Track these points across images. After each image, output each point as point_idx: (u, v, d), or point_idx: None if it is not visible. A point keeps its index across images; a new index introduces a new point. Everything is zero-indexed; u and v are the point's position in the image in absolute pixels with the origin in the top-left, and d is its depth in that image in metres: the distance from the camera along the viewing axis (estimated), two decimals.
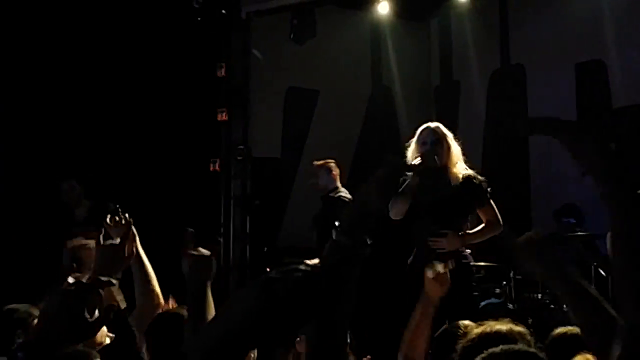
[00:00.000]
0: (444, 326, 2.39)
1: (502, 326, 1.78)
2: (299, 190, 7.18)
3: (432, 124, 3.72)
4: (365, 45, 7.78)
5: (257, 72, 6.74)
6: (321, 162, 5.49)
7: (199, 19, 5.93)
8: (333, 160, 5.51)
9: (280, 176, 7.04)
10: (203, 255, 2.00)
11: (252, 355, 2.46)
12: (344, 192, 5.24)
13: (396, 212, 3.59)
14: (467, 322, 2.33)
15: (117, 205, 4.33)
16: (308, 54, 7.04)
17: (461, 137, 7.46)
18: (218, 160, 6.23)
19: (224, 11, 6.02)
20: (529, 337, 1.82)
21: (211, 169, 6.21)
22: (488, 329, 1.74)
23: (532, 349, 1.60)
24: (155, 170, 5.96)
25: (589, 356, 1.82)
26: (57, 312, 1.92)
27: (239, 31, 6.45)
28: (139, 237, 2.42)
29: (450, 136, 3.68)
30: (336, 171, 5.43)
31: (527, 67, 7.28)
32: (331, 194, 5.32)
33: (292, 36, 6.78)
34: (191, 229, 2.11)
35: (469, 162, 3.98)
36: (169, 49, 6.07)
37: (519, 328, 1.86)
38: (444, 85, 8.11)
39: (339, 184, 5.41)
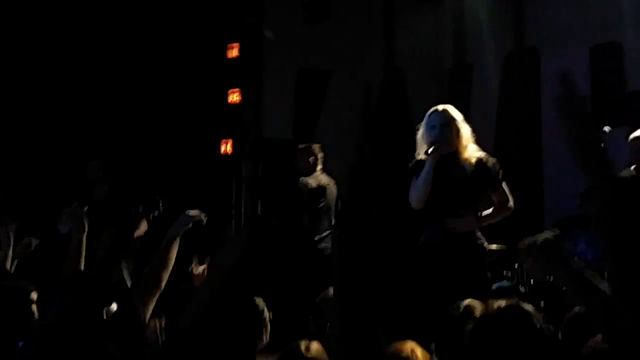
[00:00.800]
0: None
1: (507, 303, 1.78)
2: None
3: (440, 107, 3.70)
4: (378, 26, 7.73)
5: (270, 53, 6.73)
6: (305, 145, 5.43)
7: None
8: (318, 144, 5.41)
9: (293, 158, 7.04)
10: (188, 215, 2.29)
11: (265, 337, 2.49)
12: (313, 179, 5.25)
13: (418, 201, 3.57)
14: (466, 301, 2.36)
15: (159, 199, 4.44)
16: (321, 34, 7.00)
17: (474, 120, 7.48)
18: (230, 142, 6.25)
19: None
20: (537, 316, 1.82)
21: (222, 151, 6.22)
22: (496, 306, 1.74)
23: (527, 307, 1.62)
24: (167, 151, 5.98)
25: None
26: None
27: (252, 11, 6.42)
28: (153, 217, 2.55)
29: (459, 119, 3.66)
30: (318, 155, 5.35)
31: (541, 50, 7.20)
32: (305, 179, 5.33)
33: (304, 16, 6.75)
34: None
35: (480, 144, 3.97)
36: (181, 29, 6.05)
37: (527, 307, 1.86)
38: (456, 67, 8.05)
39: (318, 169, 5.34)
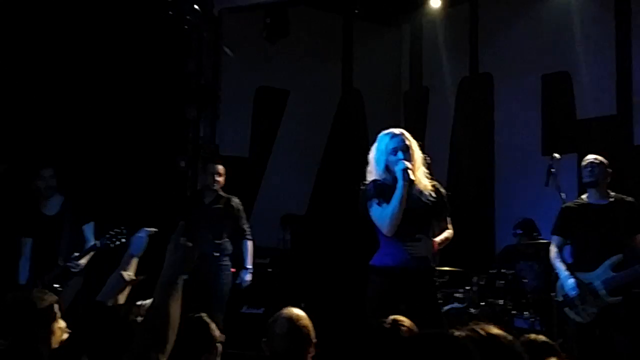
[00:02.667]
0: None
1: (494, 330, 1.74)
2: (266, 189, 7.15)
3: (397, 130, 3.65)
4: (337, 47, 7.80)
5: (228, 69, 6.69)
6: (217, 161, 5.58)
7: (171, 13, 5.86)
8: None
9: (248, 176, 6.99)
10: (189, 246, 1.99)
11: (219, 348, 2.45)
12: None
13: (392, 227, 3.50)
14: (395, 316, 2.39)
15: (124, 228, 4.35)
16: (279, 53, 7.01)
17: (429, 141, 7.59)
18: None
19: (196, 6, 5.95)
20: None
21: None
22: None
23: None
24: (122, 166, 5.85)
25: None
26: None
27: (211, 27, 6.39)
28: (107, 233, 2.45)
29: (414, 142, 3.66)
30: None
31: (495, 76, 7.39)
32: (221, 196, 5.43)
33: (264, 35, 6.75)
34: (182, 222, 2.10)
35: (435, 165, 4.01)
36: (140, 43, 5.97)
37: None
38: (413, 90, 8.18)
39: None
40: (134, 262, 2.84)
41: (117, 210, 5.44)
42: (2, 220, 5.04)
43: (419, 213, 3.55)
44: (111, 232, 4.40)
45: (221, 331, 2.58)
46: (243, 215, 5.50)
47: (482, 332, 1.58)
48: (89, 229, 4.85)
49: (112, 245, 4.40)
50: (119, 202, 5.63)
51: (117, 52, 5.88)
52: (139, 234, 2.90)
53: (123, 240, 4.33)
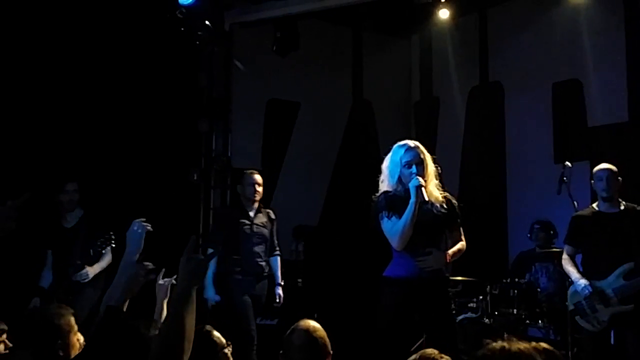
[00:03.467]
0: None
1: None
2: (278, 201, 7.19)
3: (411, 143, 3.65)
4: (347, 59, 7.86)
5: (239, 83, 6.76)
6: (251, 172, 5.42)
7: (183, 29, 5.94)
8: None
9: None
10: (201, 259, 2.02)
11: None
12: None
13: (402, 242, 3.52)
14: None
15: (112, 234, 4.40)
16: (290, 66, 7.08)
17: (440, 151, 7.60)
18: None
19: (207, 22, 6.03)
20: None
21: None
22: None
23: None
24: (135, 179, 5.92)
25: None
26: None
27: (222, 42, 6.47)
28: (118, 245, 2.45)
29: (428, 154, 3.67)
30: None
31: (505, 85, 7.40)
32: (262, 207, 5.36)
33: (274, 48, 6.82)
34: (194, 236, 2.15)
35: (446, 176, 4.03)
36: (152, 59, 6.06)
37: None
38: (423, 100, 8.20)
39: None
40: (165, 306, 2.97)
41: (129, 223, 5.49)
42: (27, 232, 5.15)
43: (430, 225, 3.56)
44: (101, 239, 4.54)
45: None
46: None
47: (512, 349, 1.57)
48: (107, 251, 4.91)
49: (101, 250, 4.60)
50: (132, 215, 5.69)
51: (131, 68, 5.97)
52: (134, 228, 2.88)
53: (112, 244, 4.50)
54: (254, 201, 5.23)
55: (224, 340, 2.52)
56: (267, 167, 7.23)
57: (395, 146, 3.69)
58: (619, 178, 4.30)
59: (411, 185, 3.51)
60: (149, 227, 2.80)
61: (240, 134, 6.80)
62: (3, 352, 2.56)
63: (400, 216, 3.51)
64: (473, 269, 5.78)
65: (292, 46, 6.80)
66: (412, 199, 3.49)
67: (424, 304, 3.50)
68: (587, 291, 4.13)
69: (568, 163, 4.69)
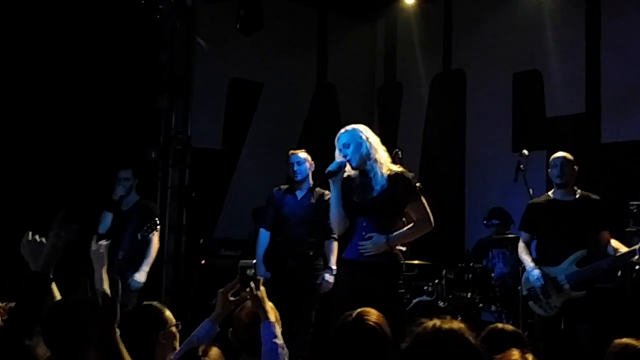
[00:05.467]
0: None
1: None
2: (238, 182, 7.13)
3: (349, 126, 3.62)
4: (311, 41, 7.80)
5: (201, 60, 6.65)
6: (294, 151, 5.18)
7: (143, 2, 5.79)
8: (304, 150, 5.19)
9: (220, 168, 6.96)
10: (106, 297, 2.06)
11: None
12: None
13: (337, 227, 3.61)
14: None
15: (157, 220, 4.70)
16: (254, 46, 6.99)
17: (402, 135, 7.62)
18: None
19: None
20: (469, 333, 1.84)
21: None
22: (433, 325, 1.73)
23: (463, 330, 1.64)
24: (93, 158, 5.78)
25: (517, 352, 1.90)
26: None
27: (184, 18, 6.33)
28: (75, 223, 2.43)
29: (365, 136, 3.56)
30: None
31: (468, 73, 7.47)
32: (312, 188, 5.02)
33: (238, 27, 6.71)
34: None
35: (408, 158, 4.05)
36: (111, 32, 5.89)
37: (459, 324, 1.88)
38: (387, 85, 8.22)
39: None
40: (105, 275, 2.96)
41: (86, 202, 5.38)
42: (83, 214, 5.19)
43: (371, 206, 3.52)
44: (148, 224, 4.92)
45: None
46: None
47: (443, 327, 1.61)
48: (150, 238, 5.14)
49: (147, 235, 4.95)
50: (89, 193, 5.57)
51: (88, 42, 5.80)
52: (96, 249, 3.00)
53: (157, 229, 4.96)
54: (299, 181, 5.04)
55: (172, 320, 2.50)
56: (228, 147, 7.16)
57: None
58: (575, 167, 4.39)
59: (329, 167, 3.53)
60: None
61: (201, 112, 6.69)
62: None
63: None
64: (430, 253, 5.85)
65: (256, 25, 6.69)
66: (332, 183, 3.51)
67: (367, 287, 3.47)
68: (539, 282, 4.20)
69: (525, 151, 4.77)
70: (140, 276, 5.05)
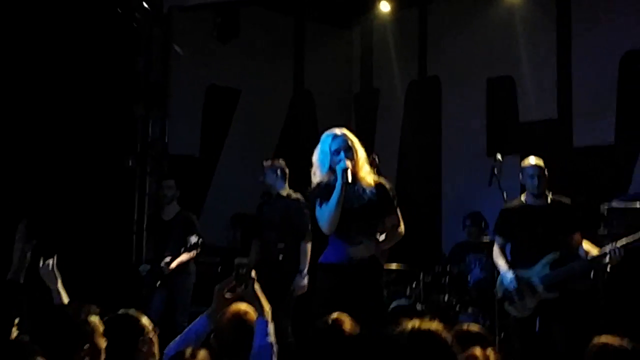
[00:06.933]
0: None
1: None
2: (216, 189, 7.13)
3: (338, 130, 3.68)
4: (288, 48, 7.84)
5: (178, 68, 6.65)
6: (270, 161, 5.39)
7: (119, 10, 5.79)
8: (282, 160, 5.39)
9: (198, 175, 6.96)
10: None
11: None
12: (298, 195, 5.08)
13: (330, 227, 3.58)
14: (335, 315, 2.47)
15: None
16: (231, 53, 7.01)
17: (378, 141, 7.68)
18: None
19: (145, 4, 5.90)
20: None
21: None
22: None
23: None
24: (69, 165, 5.74)
25: (479, 349, 1.97)
26: None
27: (161, 25, 6.34)
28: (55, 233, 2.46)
29: (356, 141, 3.68)
30: (285, 171, 5.31)
31: (442, 80, 7.57)
32: (284, 195, 5.21)
33: (215, 34, 6.73)
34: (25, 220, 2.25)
35: (384, 165, 4.10)
36: (88, 40, 5.87)
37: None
38: (363, 92, 8.29)
39: (286, 185, 5.30)
40: (61, 288, 2.98)
41: (63, 210, 5.35)
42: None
43: (361, 212, 3.59)
44: (191, 244, 5.10)
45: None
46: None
47: (416, 327, 1.68)
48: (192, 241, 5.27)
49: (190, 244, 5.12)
50: (65, 201, 5.54)
51: (65, 50, 5.77)
52: (44, 268, 3.02)
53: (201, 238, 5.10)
54: (272, 190, 5.30)
55: (150, 325, 2.51)
56: (206, 154, 7.16)
57: (323, 136, 3.71)
58: (546, 172, 4.48)
59: (337, 167, 3.55)
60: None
61: (178, 120, 6.70)
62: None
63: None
64: (408, 258, 5.92)
65: (233, 33, 6.74)
66: (338, 182, 3.54)
67: (353, 290, 3.53)
68: (512, 285, 4.28)
69: (499, 156, 4.85)
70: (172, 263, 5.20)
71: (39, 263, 3.02)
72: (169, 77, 6.56)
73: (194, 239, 5.09)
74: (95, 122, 5.93)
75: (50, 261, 3.04)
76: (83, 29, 5.83)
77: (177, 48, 6.41)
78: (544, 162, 4.46)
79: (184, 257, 5.24)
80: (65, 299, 2.90)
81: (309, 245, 5.01)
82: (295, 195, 5.14)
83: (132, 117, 6.27)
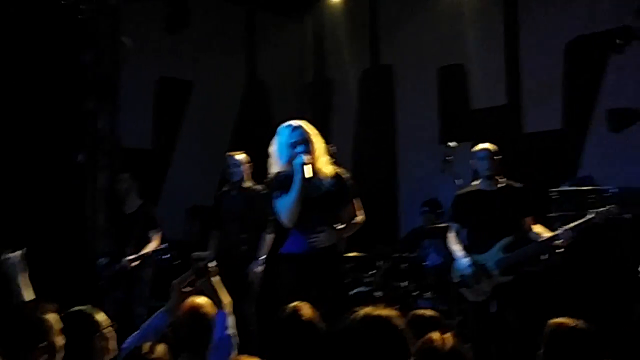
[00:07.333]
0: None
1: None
2: (171, 181, 7.04)
3: (295, 123, 3.69)
4: (240, 38, 7.77)
5: (128, 60, 6.50)
6: (231, 153, 5.36)
7: (64, 2, 5.61)
8: (242, 152, 5.35)
9: (152, 167, 6.85)
10: None
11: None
12: (260, 187, 5.03)
13: (291, 219, 3.60)
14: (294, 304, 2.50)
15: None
16: (182, 44, 6.90)
17: (333, 131, 7.71)
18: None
19: None
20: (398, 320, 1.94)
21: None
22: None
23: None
24: (18, 163, 5.57)
25: (436, 334, 2.02)
26: None
27: (108, 17, 6.18)
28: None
29: (314, 133, 3.70)
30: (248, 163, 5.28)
31: (395, 68, 7.63)
32: (246, 187, 5.21)
33: (164, 25, 6.61)
34: None
35: (339, 154, 4.12)
36: (32, 35, 5.68)
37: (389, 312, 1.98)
38: (317, 81, 8.29)
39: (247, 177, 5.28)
40: (26, 280, 2.90)
41: (12, 209, 5.19)
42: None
43: (320, 202, 3.62)
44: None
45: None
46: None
47: (368, 313, 1.74)
48: (153, 234, 5.28)
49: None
50: (13, 199, 5.38)
51: (10, 45, 5.57)
52: (4, 261, 2.92)
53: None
54: (235, 182, 5.26)
55: (105, 321, 2.48)
56: (159, 146, 7.05)
57: (280, 127, 3.71)
58: (497, 157, 4.57)
59: (295, 163, 3.57)
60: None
61: (129, 113, 6.56)
62: None
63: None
64: (365, 245, 5.97)
65: (183, 23, 6.62)
66: (297, 177, 3.55)
67: (316, 279, 3.57)
68: (468, 271, 4.37)
69: (451, 143, 4.92)
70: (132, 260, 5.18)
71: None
72: (119, 70, 6.41)
73: (160, 246, 5.16)
74: (44, 118, 5.76)
75: (19, 252, 2.94)
76: (27, 23, 5.64)
77: (125, 40, 6.26)
78: (496, 148, 4.55)
79: (145, 251, 5.21)
80: (29, 295, 2.82)
81: (270, 236, 5.04)
82: (257, 186, 5.13)
83: (82, 112, 6.11)
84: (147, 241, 5.24)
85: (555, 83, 6.42)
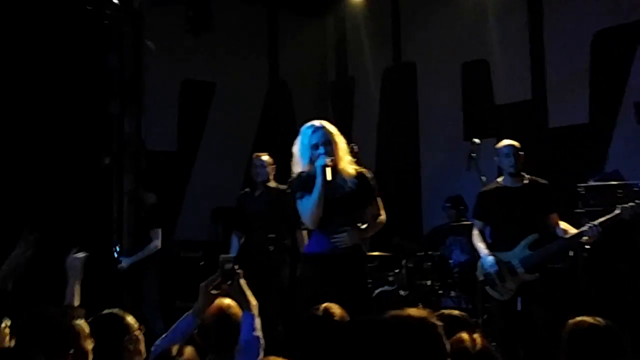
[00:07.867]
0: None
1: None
2: (196, 183, 7.11)
3: (317, 123, 3.67)
4: (262, 39, 7.81)
5: (152, 63, 6.58)
6: (258, 154, 5.41)
7: (89, 7, 5.70)
8: (267, 153, 5.38)
9: (177, 170, 6.92)
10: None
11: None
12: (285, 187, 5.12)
13: (314, 221, 3.60)
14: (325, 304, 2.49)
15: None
16: (205, 46, 6.96)
17: (356, 129, 7.69)
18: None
19: (115, 0, 5.81)
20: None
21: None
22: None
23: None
24: (45, 165, 5.68)
25: (466, 334, 2.00)
26: None
27: (132, 21, 6.26)
28: (30, 234, 2.43)
29: (336, 133, 3.68)
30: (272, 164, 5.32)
31: (418, 65, 7.59)
32: (270, 187, 5.24)
33: (187, 28, 6.66)
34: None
35: (362, 153, 4.12)
36: (57, 40, 5.78)
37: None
38: (339, 80, 8.29)
39: (272, 177, 5.31)
40: (79, 287, 2.95)
41: (42, 211, 5.29)
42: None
43: (343, 202, 3.61)
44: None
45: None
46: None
47: (403, 315, 1.69)
48: (154, 234, 5.38)
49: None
50: (43, 202, 5.48)
51: (36, 50, 5.68)
52: (71, 260, 2.95)
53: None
54: (259, 182, 5.30)
55: (135, 324, 2.51)
56: (184, 148, 7.12)
57: (302, 128, 3.71)
58: (521, 153, 4.52)
59: (317, 164, 3.57)
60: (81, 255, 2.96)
61: (154, 115, 6.64)
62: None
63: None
64: (390, 244, 5.95)
65: (205, 26, 6.67)
66: (318, 179, 3.55)
67: (339, 279, 3.56)
68: (493, 269, 4.33)
69: (476, 140, 4.88)
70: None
71: (66, 253, 2.97)
72: (143, 73, 6.49)
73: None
74: (70, 122, 5.87)
75: (82, 255, 2.98)
76: (53, 28, 5.75)
77: (149, 43, 6.33)
78: (520, 144, 4.51)
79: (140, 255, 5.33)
80: (77, 300, 2.87)
81: (305, 232, 4.99)
82: (282, 186, 5.13)
83: (107, 115, 6.20)
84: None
85: (581, 76, 6.32)
